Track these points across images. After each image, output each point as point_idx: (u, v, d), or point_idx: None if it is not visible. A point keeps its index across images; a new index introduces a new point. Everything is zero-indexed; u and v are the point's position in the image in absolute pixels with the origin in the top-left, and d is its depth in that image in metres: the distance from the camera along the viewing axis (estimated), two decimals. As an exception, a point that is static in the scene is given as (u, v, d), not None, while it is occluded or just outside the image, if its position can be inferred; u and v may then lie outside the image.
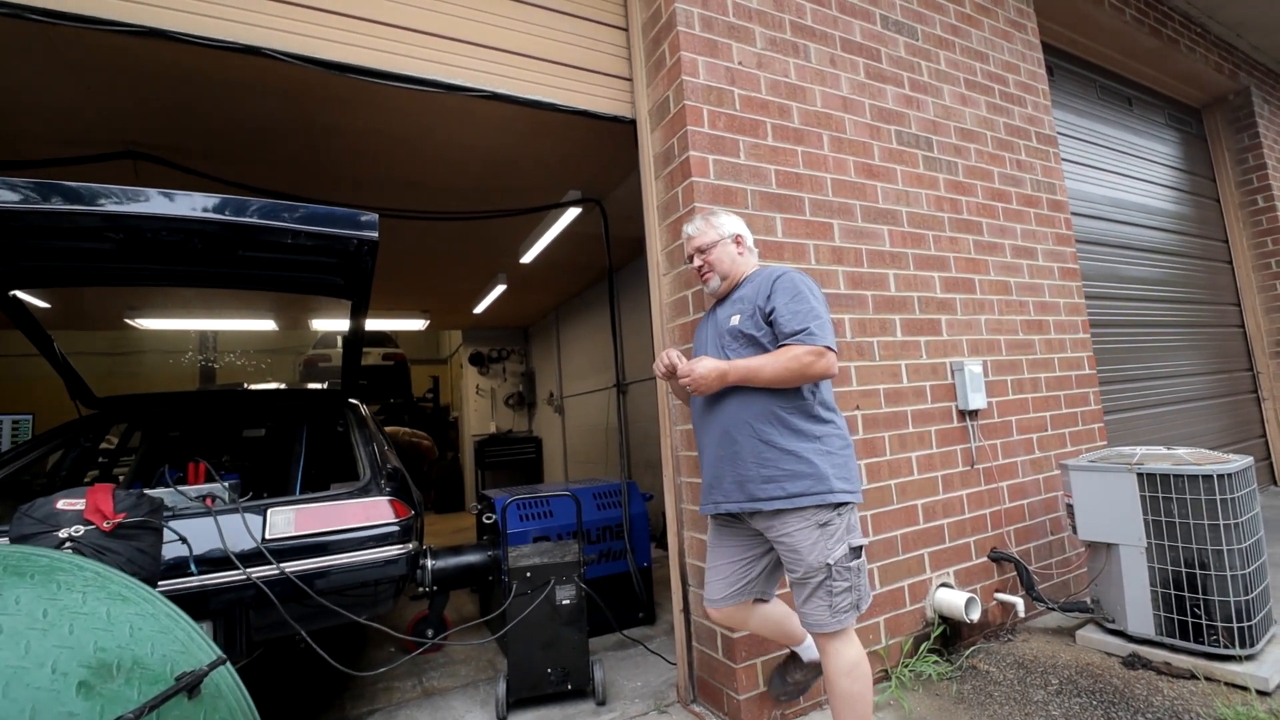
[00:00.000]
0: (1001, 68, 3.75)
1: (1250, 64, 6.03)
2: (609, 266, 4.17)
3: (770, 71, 2.81)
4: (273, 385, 4.03)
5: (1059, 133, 4.18)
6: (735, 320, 1.92)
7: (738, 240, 2.04)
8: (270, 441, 3.86)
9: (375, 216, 2.37)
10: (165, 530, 1.75)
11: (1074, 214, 4.11)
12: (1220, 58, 5.62)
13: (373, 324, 8.73)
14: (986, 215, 3.45)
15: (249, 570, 2.01)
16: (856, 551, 1.81)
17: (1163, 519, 2.61)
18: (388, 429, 5.10)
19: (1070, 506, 2.91)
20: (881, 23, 3.24)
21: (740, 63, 2.74)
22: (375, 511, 2.30)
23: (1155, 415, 4.92)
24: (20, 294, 2.47)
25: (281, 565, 2.06)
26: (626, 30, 2.99)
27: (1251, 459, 2.69)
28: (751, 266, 2.06)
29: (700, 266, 2.05)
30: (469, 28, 2.60)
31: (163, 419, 3.54)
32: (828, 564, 1.75)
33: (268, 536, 2.14)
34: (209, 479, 2.37)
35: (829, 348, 1.79)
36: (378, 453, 2.75)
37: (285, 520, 2.17)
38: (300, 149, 3.35)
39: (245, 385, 4.12)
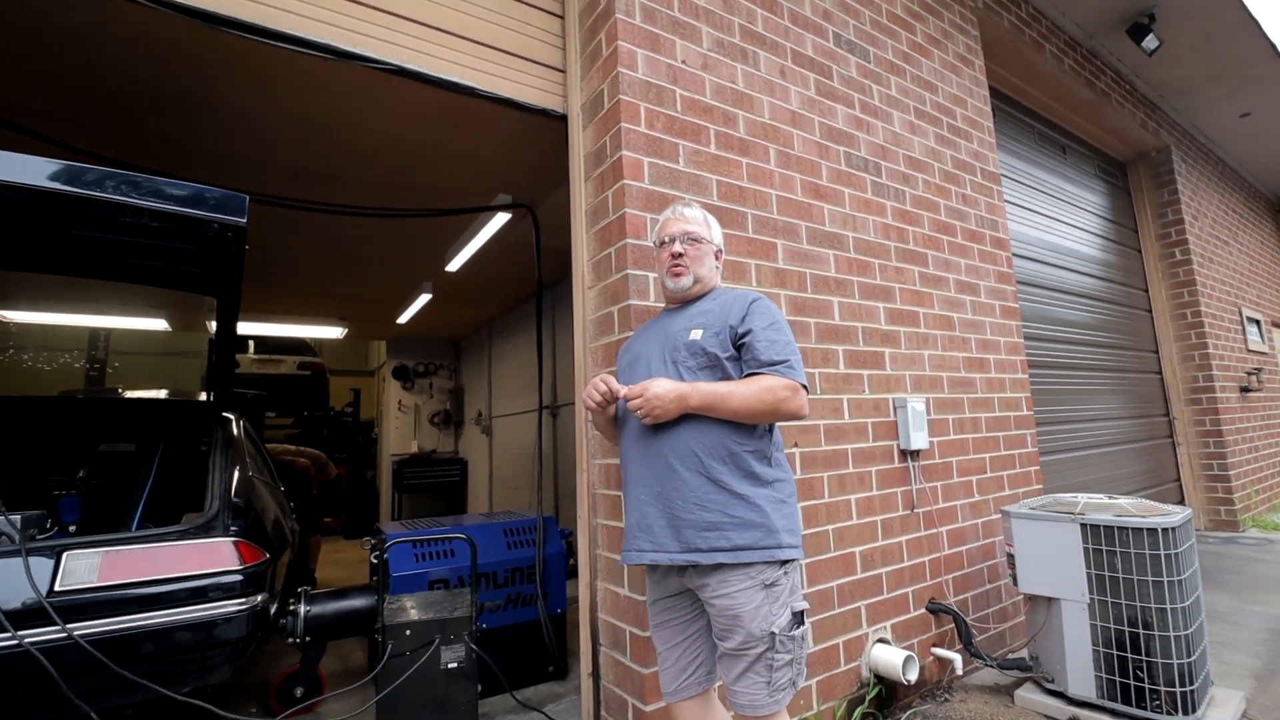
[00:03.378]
0: (950, 100, 3.68)
1: (1170, 124, 6.34)
2: (538, 279, 3.84)
3: (717, 75, 2.59)
4: (142, 393, 3.46)
5: (1000, 173, 4.17)
6: (696, 335, 1.64)
7: (718, 255, 1.87)
8: (135, 460, 3.29)
9: (245, 198, 1.98)
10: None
11: (1012, 254, 4.07)
12: (1146, 115, 5.87)
13: (287, 330, 8.06)
14: (932, 247, 3.32)
15: (20, 633, 1.54)
16: (799, 618, 1.54)
17: (1105, 573, 2.46)
18: (271, 447, 4.53)
19: (1011, 556, 2.74)
20: (834, 40, 3.09)
21: (684, 61, 2.50)
22: (212, 556, 1.85)
23: (1083, 458, 4.94)
24: None
25: (68, 626, 1.60)
26: (562, 18, 2.72)
27: (1191, 511, 2.59)
28: (718, 284, 1.86)
29: (679, 255, 1.75)
30: (377, -8, 2.27)
31: None
32: (771, 633, 1.47)
33: (59, 587, 1.66)
34: (-5, 510, 1.86)
35: (804, 386, 1.59)
36: (235, 480, 2.29)
37: (87, 567, 1.70)
38: (173, 121, 2.87)
39: (121, 390, 3.53)
